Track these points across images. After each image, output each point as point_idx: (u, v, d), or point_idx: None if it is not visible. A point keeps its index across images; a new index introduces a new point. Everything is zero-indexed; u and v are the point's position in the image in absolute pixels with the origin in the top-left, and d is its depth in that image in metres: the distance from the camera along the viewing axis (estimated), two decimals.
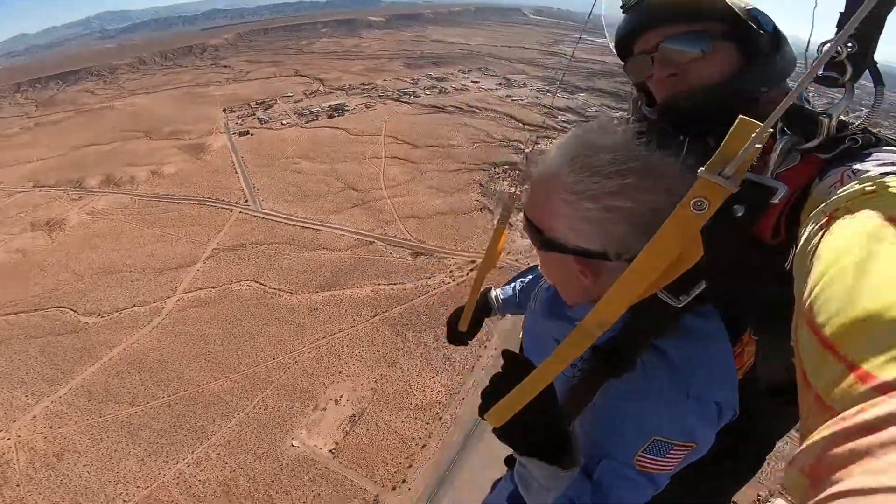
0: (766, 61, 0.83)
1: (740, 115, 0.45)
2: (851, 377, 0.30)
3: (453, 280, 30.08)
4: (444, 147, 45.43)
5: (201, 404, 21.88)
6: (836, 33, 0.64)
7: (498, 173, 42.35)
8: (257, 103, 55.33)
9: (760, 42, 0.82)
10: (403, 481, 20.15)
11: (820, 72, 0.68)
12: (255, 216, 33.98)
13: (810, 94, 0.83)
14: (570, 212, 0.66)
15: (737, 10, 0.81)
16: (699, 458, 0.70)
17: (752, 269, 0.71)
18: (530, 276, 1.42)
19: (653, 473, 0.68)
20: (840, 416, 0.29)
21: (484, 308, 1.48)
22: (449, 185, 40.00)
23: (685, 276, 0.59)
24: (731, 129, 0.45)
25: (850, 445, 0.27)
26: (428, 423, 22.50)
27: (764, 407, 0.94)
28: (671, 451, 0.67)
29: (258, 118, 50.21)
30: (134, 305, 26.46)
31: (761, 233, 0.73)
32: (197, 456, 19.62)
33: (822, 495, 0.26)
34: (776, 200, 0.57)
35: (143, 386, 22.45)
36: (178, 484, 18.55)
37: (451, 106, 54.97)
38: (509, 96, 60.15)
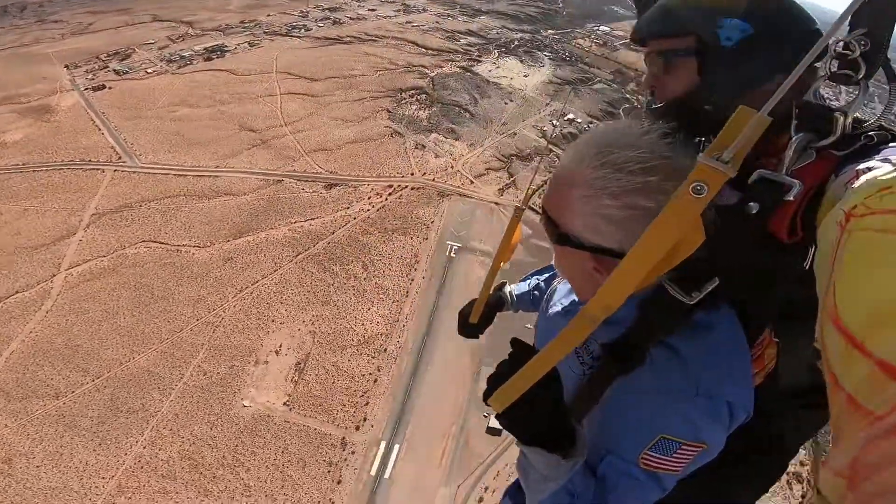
0: (718, 76, 0.83)
1: (740, 105, 0.45)
2: (882, 375, 0.30)
3: (373, 206, 29.96)
4: (346, 77, 42.77)
5: (132, 383, 20.53)
6: (849, 32, 0.66)
7: (405, 98, 41.32)
8: (109, 55, 46.32)
9: (720, 57, 0.83)
10: (365, 419, 20.88)
11: (835, 69, 0.70)
12: (135, 172, 30.08)
13: (828, 92, 0.79)
14: (588, 208, 0.66)
15: (693, 25, 0.84)
16: (712, 461, 0.69)
17: (768, 268, 0.72)
18: (546, 275, 1.41)
19: (658, 473, 0.67)
20: (874, 415, 0.29)
21: (497, 302, 1.46)
22: (355, 115, 38.35)
23: (697, 272, 0.58)
24: (731, 117, 0.45)
25: (887, 444, 0.27)
26: (374, 357, 23.08)
27: (784, 411, 0.91)
28: (678, 451, 0.65)
29: (114, 70, 42.42)
30: (17, 292, 23.08)
31: (777, 231, 0.70)
32: (149, 436, 18.81)
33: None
34: (791, 197, 0.57)
35: (61, 375, 20.41)
36: (142, 467, 17.83)
37: (348, 36, 51.00)
38: (409, 22, 57.21)
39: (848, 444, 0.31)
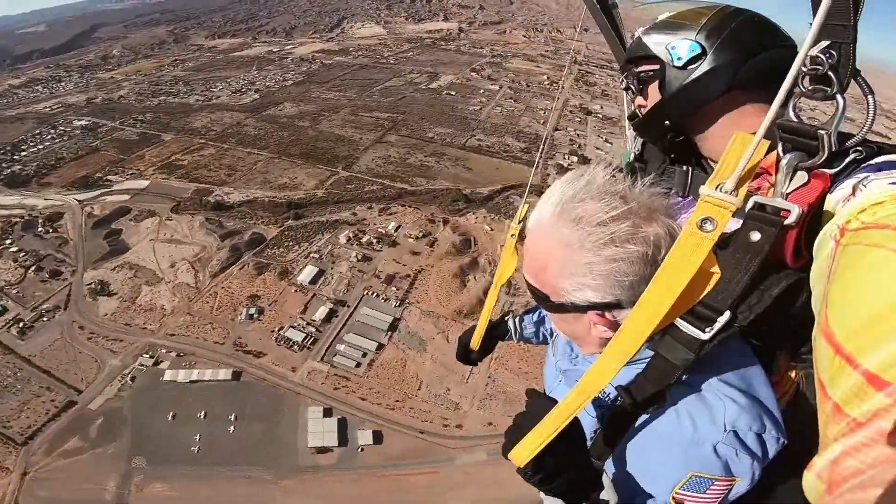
0: (672, 91, 0.95)
1: (736, 132, 0.48)
2: (867, 386, 0.32)
3: None
4: None
5: None
6: (811, 45, 0.65)
7: None
8: None
9: (673, 74, 0.95)
10: None
11: (807, 86, 0.69)
12: None
13: (802, 111, 0.78)
14: (573, 269, 0.66)
15: (654, 49, 0.97)
16: (753, 489, 0.68)
17: (778, 294, 0.72)
18: None
19: None
20: (857, 422, 0.32)
21: (500, 330, 1.46)
22: None
23: (709, 307, 0.60)
24: (728, 144, 0.48)
25: (867, 450, 0.29)
26: None
27: (812, 433, 0.77)
28: (712, 487, 0.65)
29: None
30: None
31: (783, 256, 0.70)
32: None
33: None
34: (791, 221, 0.59)
35: None
36: None
37: None
38: None
39: (831, 449, 0.32)
